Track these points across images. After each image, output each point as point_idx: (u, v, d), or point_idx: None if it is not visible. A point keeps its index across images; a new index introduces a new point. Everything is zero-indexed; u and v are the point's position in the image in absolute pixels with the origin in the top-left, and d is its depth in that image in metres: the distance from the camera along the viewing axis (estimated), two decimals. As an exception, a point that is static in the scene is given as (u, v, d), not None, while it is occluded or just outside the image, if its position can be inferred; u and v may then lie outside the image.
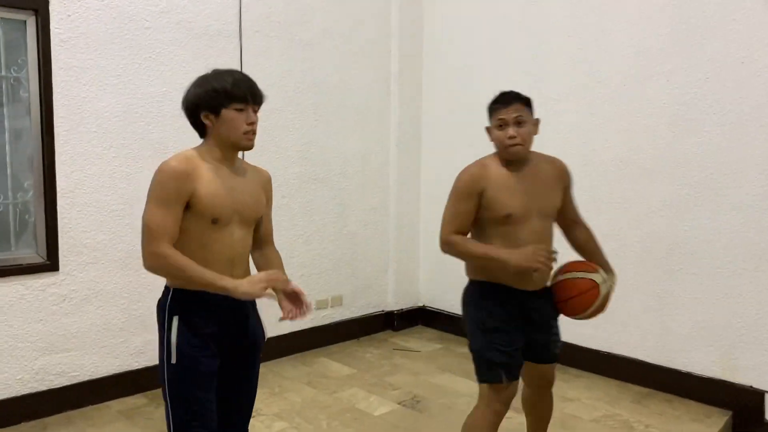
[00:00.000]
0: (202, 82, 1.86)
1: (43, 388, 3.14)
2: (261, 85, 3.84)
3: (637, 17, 3.51)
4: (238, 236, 1.90)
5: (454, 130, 4.45)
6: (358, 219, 4.44)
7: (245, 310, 1.94)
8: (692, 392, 3.38)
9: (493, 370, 2.25)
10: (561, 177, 2.34)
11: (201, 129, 1.89)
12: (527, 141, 2.22)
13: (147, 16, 3.36)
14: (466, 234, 2.29)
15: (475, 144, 4.38)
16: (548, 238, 2.28)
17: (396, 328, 4.61)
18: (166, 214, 1.75)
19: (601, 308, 2.28)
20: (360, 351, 4.20)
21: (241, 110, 1.83)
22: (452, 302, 4.54)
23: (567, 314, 2.34)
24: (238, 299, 1.78)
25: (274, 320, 2.00)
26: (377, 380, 3.69)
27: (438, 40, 4.53)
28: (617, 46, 3.59)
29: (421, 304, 4.75)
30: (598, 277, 2.26)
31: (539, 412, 2.54)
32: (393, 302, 4.64)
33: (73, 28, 3.12)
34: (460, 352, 4.17)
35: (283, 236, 4.09)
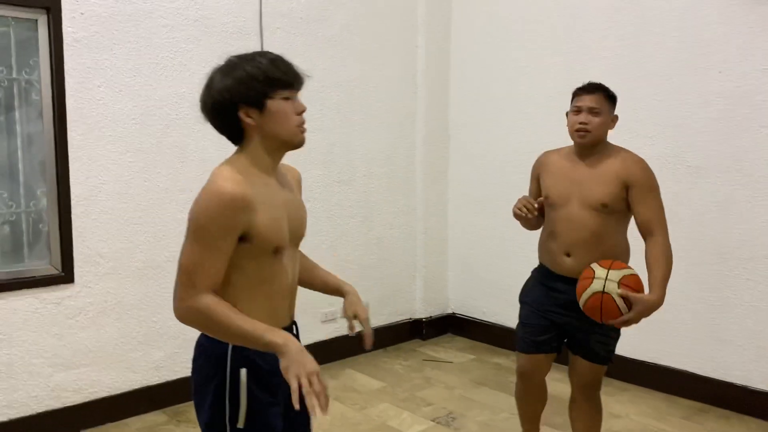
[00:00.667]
0: (230, 69, 1.44)
1: (59, 405, 2.99)
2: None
3: (682, 5, 3.27)
4: (295, 259, 1.59)
5: (484, 127, 4.24)
6: (384, 222, 4.25)
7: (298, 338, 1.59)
8: (752, 408, 3.14)
9: (516, 338, 2.50)
10: (622, 172, 2.24)
11: (236, 132, 1.47)
12: (596, 130, 2.26)
13: (164, 13, 3.19)
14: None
15: (510, 140, 4.22)
16: (583, 228, 2.25)
17: (424, 337, 4.40)
18: (214, 255, 1.37)
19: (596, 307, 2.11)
20: (388, 362, 4.00)
21: (287, 98, 1.46)
22: (483, 309, 4.33)
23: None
24: (290, 327, 1.53)
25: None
26: (408, 395, 3.49)
27: (466, 33, 4.31)
28: (661, 37, 3.35)
29: (450, 311, 4.54)
30: (596, 283, 2.11)
31: (578, 420, 2.45)
32: (421, 309, 4.44)
33: (87, 26, 2.96)
34: (495, 363, 3.96)
35: (305, 242, 3.90)
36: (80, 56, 2.95)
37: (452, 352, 4.20)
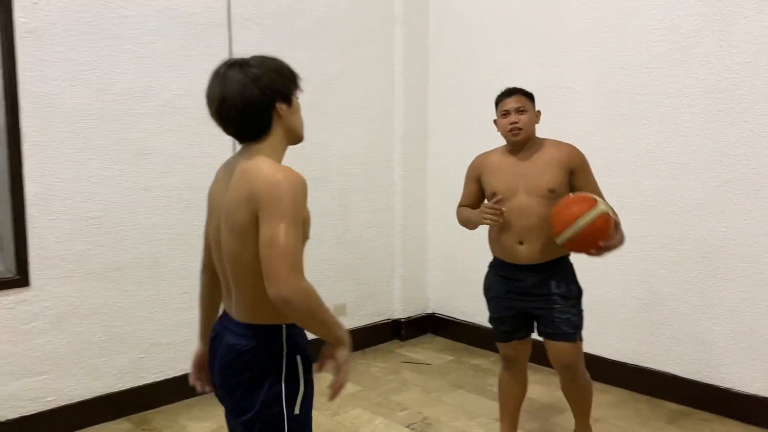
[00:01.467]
0: (275, 66, 1.53)
1: (15, 416, 2.84)
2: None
3: (666, -4, 3.17)
4: None
5: (464, 122, 4.12)
6: (362, 220, 4.13)
7: None
8: (733, 411, 3.05)
9: (493, 331, 2.66)
10: (565, 160, 2.44)
11: (262, 127, 1.51)
12: (527, 126, 2.46)
13: (125, 2, 3.04)
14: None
15: (487, 135, 4.09)
16: (533, 215, 2.42)
17: (403, 338, 4.29)
18: (299, 239, 1.41)
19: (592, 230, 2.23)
20: (365, 364, 3.88)
21: (298, 97, 1.58)
22: (463, 309, 4.22)
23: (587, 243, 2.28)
24: None
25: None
26: (383, 399, 3.38)
27: (445, 26, 4.19)
28: (643, 28, 3.25)
29: (430, 311, 4.43)
30: (602, 205, 2.25)
31: (568, 398, 2.64)
32: (400, 309, 4.32)
33: (41, 17, 2.81)
34: (473, 365, 3.85)
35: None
36: (34, 48, 2.80)
37: (431, 353, 4.09)
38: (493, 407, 3.24)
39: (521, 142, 2.48)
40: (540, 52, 3.68)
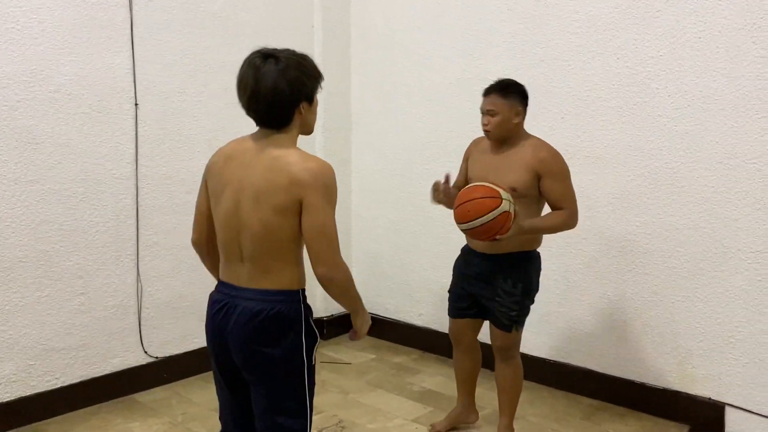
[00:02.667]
0: (305, 65, 1.72)
1: None
2: (160, 63, 3.28)
3: (583, -13, 3.13)
4: None
5: (388, 115, 4.00)
6: (281, 216, 3.96)
7: None
8: (647, 405, 3.06)
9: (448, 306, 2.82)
10: (533, 163, 2.47)
11: (284, 120, 1.73)
12: (496, 128, 2.51)
13: (8, -23, 2.78)
14: None
15: (413, 129, 4.01)
16: None
17: (325, 337, 4.15)
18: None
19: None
20: (283, 365, 3.72)
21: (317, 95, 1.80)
22: (387, 305, 4.12)
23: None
24: None
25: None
26: (298, 402, 3.23)
27: (367, 14, 4.05)
28: (563, 19, 3.21)
29: (355, 309, 4.30)
30: (504, 204, 2.31)
31: (498, 382, 2.72)
32: (322, 308, 4.16)
33: None
34: (395, 363, 3.76)
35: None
36: None
37: (353, 351, 3.97)
38: (412, 407, 3.16)
39: (496, 140, 2.56)
40: (460, 43, 3.60)
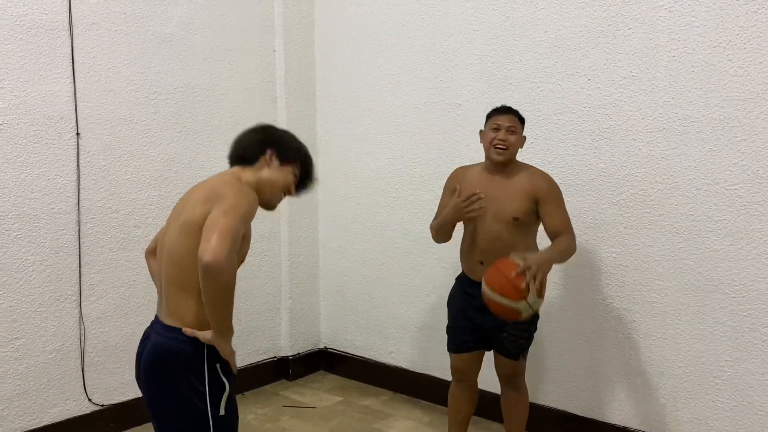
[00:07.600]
0: (300, 146, 1.94)
1: None
2: (104, 89, 3.08)
3: (551, 5, 2.97)
4: None
5: (355, 141, 3.81)
6: (242, 249, 3.73)
7: None
8: (628, 453, 2.82)
9: (448, 342, 2.71)
10: (532, 190, 2.46)
11: (249, 158, 1.87)
12: (513, 147, 2.49)
13: (-69, 0, 2.59)
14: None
15: (378, 156, 3.81)
16: (496, 239, 2.46)
17: (291, 377, 3.90)
18: (240, 231, 1.64)
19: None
20: (242, 411, 3.43)
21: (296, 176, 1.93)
22: (356, 342, 3.88)
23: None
24: None
25: None
26: (252, 453, 2.99)
27: (331, 38, 3.88)
28: (530, 39, 3.04)
29: (323, 346, 4.06)
30: (522, 304, 2.22)
31: (505, 408, 2.71)
32: (287, 346, 3.93)
33: None
34: (363, 406, 3.51)
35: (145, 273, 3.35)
36: None
37: (320, 393, 3.72)
38: (376, 457, 2.91)
39: (502, 162, 2.49)
40: (426, 66, 3.42)
